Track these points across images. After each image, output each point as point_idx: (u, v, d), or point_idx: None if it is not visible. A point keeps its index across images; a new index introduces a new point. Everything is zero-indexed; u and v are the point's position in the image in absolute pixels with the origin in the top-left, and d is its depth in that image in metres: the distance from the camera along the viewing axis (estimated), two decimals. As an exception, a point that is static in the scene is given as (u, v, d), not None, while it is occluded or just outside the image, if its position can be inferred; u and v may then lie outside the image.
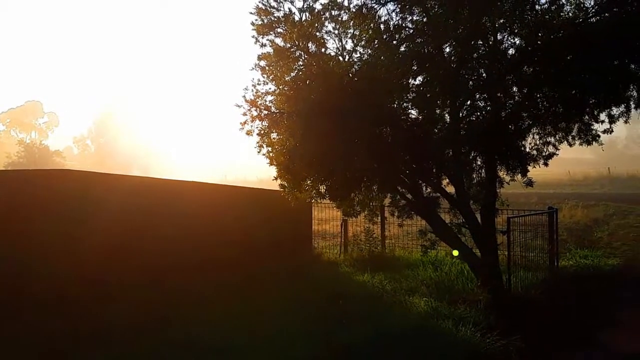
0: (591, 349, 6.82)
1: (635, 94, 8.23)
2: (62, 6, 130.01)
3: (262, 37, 8.28)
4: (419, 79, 8.67)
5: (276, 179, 8.58)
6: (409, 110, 8.96)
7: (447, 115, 8.84)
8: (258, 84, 8.74)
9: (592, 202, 21.22)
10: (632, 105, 8.30)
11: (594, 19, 7.98)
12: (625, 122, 8.56)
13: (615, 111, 8.47)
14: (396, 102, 8.75)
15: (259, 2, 8.11)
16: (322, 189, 8.56)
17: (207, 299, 8.19)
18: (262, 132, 8.57)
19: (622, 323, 7.67)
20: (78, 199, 8.03)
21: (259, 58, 8.32)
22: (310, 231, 13.68)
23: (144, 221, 8.97)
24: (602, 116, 8.56)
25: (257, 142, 8.60)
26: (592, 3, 8.07)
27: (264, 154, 8.68)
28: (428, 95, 8.52)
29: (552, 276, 10.05)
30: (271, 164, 8.81)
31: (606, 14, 7.91)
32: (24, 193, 7.81)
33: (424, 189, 9.28)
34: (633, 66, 8.05)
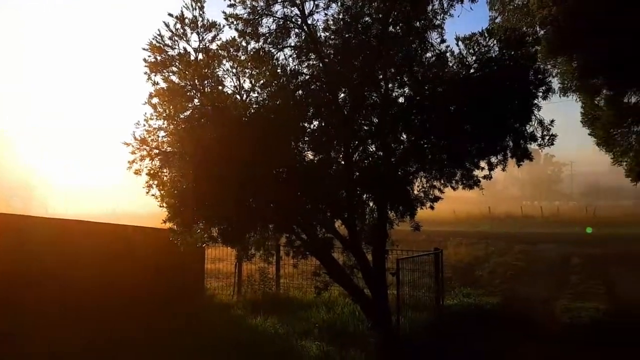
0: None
1: (511, 143, 8.91)
2: None
3: (155, 75, 8.00)
4: (315, 123, 8.82)
5: (165, 221, 8.18)
6: (305, 152, 9.04)
7: (341, 159, 9.03)
8: (150, 119, 8.35)
9: (474, 241, 22.55)
10: (509, 154, 8.98)
11: (476, 74, 8.59)
12: (503, 169, 9.22)
13: (494, 159, 9.10)
14: (292, 144, 8.80)
15: (153, 39, 7.85)
16: (215, 232, 8.29)
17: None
18: (153, 171, 8.17)
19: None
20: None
21: (152, 95, 7.99)
22: (203, 271, 13.19)
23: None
24: (482, 163, 9.15)
25: (146, 182, 8.16)
26: (473, 59, 8.70)
27: (153, 195, 8.26)
28: (323, 139, 8.67)
29: (438, 317, 10.41)
30: (161, 205, 8.39)
31: (487, 70, 8.55)
32: None
33: (318, 230, 9.31)
34: (510, 119, 8.74)
